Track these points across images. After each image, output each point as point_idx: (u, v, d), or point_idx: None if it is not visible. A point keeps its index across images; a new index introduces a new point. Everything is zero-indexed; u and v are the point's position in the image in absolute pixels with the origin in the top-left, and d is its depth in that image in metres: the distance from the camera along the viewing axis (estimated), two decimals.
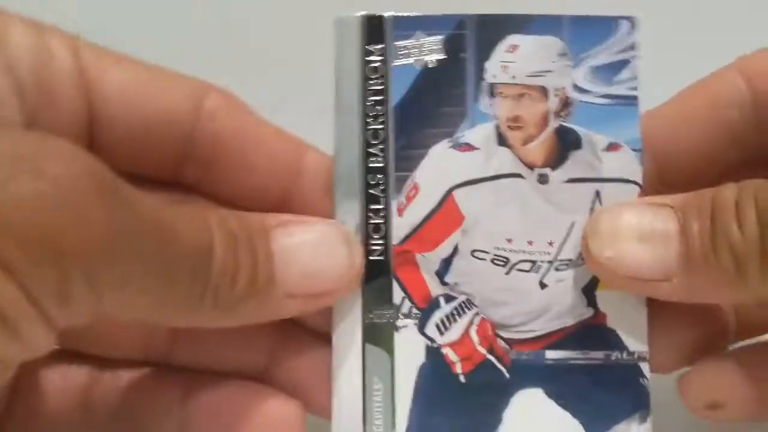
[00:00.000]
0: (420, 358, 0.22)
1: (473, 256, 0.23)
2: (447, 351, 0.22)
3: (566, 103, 0.22)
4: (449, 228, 0.23)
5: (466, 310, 0.23)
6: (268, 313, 0.21)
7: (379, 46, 0.22)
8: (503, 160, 0.22)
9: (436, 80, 0.22)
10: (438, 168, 0.22)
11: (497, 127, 0.22)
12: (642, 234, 0.21)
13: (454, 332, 0.22)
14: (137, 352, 0.23)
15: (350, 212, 0.22)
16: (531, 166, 0.22)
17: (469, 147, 0.22)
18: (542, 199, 0.23)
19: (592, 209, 0.22)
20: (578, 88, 0.22)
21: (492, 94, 0.22)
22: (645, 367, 0.23)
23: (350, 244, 0.22)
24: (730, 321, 0.24)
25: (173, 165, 0.22)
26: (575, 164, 0.23)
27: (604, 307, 0.23)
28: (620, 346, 0.23)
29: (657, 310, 0.23)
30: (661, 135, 0.23)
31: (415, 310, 0.23)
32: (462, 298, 0.23)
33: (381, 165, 0.22)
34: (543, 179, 0.23)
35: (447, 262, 0.23)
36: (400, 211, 0.22)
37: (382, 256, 0.22)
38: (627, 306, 0.22)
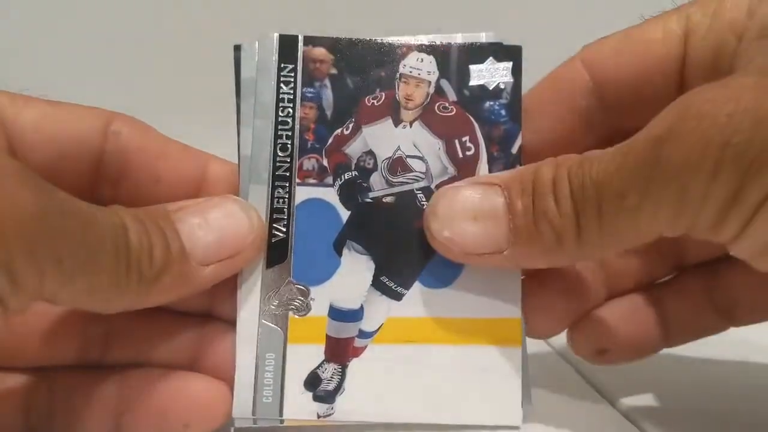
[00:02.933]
0: None
1: None
2: None
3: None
4: None
5: None
6: (188, 284, 0.23)
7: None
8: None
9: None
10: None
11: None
12: (473, 213, 0.23)
13: None
14: (72, 360, 0.25)
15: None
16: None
17: None
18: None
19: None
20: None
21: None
22: None
23: (246, 209, 0.24)
24: (598, 286, 0.26)
25: (88, 184, 0.24)
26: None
27: None
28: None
29: (530, 277, 0.24)
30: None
31: None
32: None
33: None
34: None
35: None
36: None
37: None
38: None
